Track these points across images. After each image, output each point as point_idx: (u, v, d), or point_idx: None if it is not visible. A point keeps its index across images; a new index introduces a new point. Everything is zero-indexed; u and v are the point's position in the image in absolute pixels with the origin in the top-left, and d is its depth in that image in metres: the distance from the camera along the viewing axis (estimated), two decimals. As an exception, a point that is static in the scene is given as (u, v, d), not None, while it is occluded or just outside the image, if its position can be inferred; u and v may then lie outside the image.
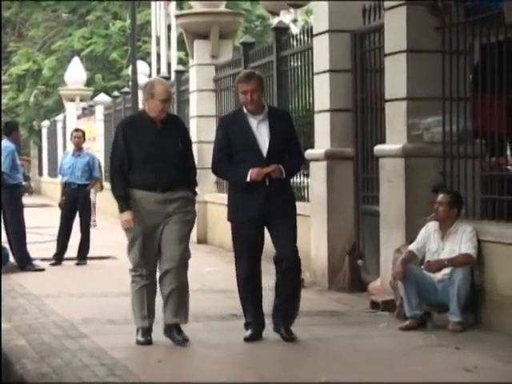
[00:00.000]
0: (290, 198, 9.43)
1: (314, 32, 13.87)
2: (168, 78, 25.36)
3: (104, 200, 24.13)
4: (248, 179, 8.92)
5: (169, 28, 28.30)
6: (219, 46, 21.21)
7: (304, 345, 8.46)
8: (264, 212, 9.05)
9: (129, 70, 29.89)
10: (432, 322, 10.00)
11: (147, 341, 9.14)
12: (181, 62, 28.51)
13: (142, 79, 28.45)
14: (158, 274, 9.30)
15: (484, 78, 10.56)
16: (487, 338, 9.35)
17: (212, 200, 20.02)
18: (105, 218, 23.57)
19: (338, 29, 13.06)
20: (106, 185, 24.61)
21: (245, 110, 9.19)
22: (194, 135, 20.56)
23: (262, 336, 9.14)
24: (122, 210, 9.04)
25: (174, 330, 9.10)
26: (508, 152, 11.08)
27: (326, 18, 13.18)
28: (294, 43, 16.08)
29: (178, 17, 24.90)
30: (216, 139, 9.49)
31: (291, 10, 20.56)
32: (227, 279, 13.39)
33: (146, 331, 9.20)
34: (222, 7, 22.18)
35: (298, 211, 12.47)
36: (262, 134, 9.11)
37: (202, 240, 20.10)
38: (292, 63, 16.10)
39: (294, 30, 18.05)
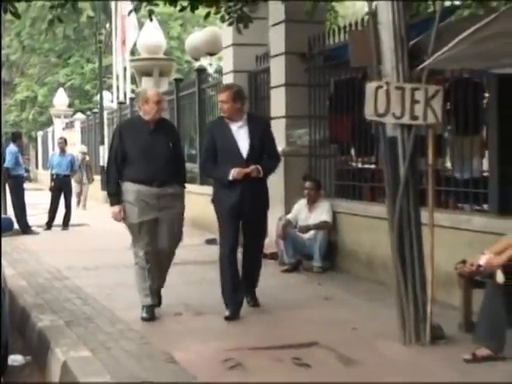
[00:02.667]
0: (263, 196, 7.66)
1: (224, 71, 13.82)
2: (124, 103, 25.22)
3: (92, 189, 23.95)
4: (230, 178, 7.30)
5: (125, 68, 28.04)
6: (159, 81, 21.21)
7: (217, 284, 8.46)
8: (240, 205, 7.38)
9: (97, 97, 29.62)
10: (302, 267, 10.05)
11: (150, 317, 7.27)
12: (133, 91, 28.20)
13: (107, 103, 28.32)
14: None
15: (336, 104, 10.66)
16: (339, 278, 9.45)
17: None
18: (88, 201, 23.21)
19: (239, 69, 13.05)
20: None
21: (225, 118, 7.54)
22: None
23: (239, 313, 7.39)
24: (112, 204, 7.38)
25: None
26: (352, 153, 11.16)
27: (231, 62, 13.18)
28: (210, 79, 16.08)
29: (131, 61, 24.84)
30: (204, 142, 8.05)
31: (208, 56, 20.51)
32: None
33: (150, 307, 7.34)
34: (161, 54, 22.13)
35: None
36: (242, 138, 7.43)
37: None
38: (208, 93, 16.09)
39: (210, 70, 18.00)
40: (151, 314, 7.31)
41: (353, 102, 9.79)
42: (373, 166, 10.43)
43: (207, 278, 9.23)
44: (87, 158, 24.04)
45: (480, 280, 6.21)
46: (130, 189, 7.31)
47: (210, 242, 12.87)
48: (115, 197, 7.39)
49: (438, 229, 6.66)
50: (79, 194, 22.88)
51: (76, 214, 17.72)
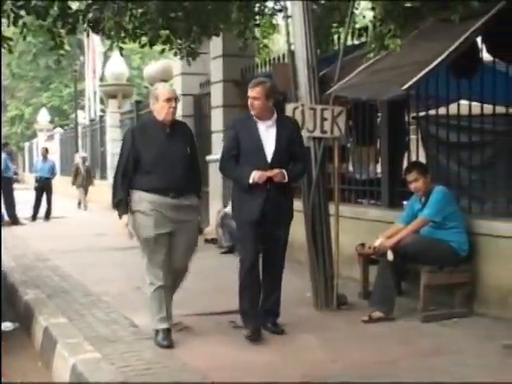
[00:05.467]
0: (288, 204, 5.55)
1: (174, 95, 13.78)
2: (94, 120, 24.95)
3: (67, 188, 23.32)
4: (250, 181, 5.27)
5: (95, 92, 27.73)
6: (123, 102, 20.97)
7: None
8: (262, 215, 5.34)
9: (73, 115, 29.32)
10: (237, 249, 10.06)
11: (169, 344, 5.14)
12: (102, 111, 27.89)
13: (81, 120, 28.07)
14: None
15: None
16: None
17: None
18: (62, 198, 22.67)
19: (186, 93, 13.01)
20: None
21: (254, 116, 5.44)
22: (109, 154, 20.32)
23: (261, 333, 5.34)
24: (120, 215, 5.19)
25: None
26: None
27: (180, 87, 13.09)
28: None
29: (100, 86, 24.53)
30: (225, 140, 5.86)
31: (162, 83, 20.38)
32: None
33: (167, 332, 5.23)
34: (124, 81, 21.90)
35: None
36: (269, 139, 5.38)
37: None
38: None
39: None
40: (169, 339, 5.19)
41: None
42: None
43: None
44: (87, 163, 21.29)
45: (375, 258, 6.29)
46: (143, 198, 5.19)
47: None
48: (122, 207, 5.21)
49: (342, 219, 6.72)
50: (83, 197, 20.28)
51: (57, 208, 17.40)
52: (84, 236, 12.16)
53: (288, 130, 5.50)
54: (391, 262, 5.90)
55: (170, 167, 5.19)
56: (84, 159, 20.81)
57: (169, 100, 5.23)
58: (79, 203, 20.33)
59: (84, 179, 20.25)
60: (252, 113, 5.44)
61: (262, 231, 5.41)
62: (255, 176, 5.29)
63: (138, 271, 8.19)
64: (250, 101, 5.42)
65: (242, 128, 5.51)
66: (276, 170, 5.32)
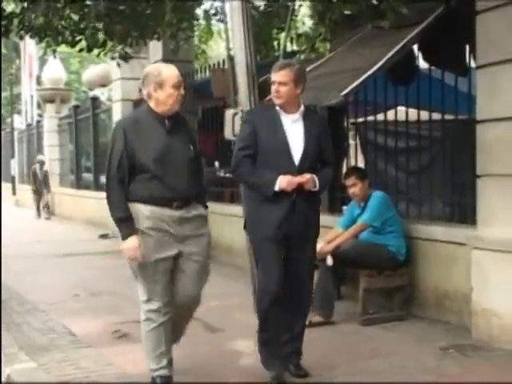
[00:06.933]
0: (315, 218, 4.41)
1: (113, 100, 13.70)
2: (31, 124, 24.54)
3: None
4: (276, 188, 4.16)
5: (32, 96, 27.26)
6: (61, 107, 20.67)
7: (109, 270, 8.28)
8: (285, 230, 4.25)
9: (9, 120, 28.86)
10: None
11: None
12: (40, 115, 27.43)
13: (17, 125, 27.60)
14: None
15: (203, 126, 10.69)
16: (224, 267, 9.43)
17: (59, 191, 19.40)
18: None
19: (125, 98, 12.96)
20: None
21: (277, 107, 4.29)
22: (46, 159, 19.91)
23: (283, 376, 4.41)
24: (125, 237, 3.99)
25: None
26: (216, 165, 11.17)
27: (119, 92, 13.09)
28: (102, 106, 15.87)
29: (37, 90, 24.13)
30: (240, 136, 4.54)
31: (101, 87, 20.21)
32: (78, 235, 13.04)
33: (167, 380, 4.21)
34: (62, 85, 21.61)
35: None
36: (295, 136, 4.25)
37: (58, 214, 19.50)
38: (101, 116, 15.88)
39: (102, 98, 17.75)
40: None
41: (216, 125, 9.83)
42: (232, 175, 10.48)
43: (100, 266, 9.08)
44: (45, 168, 18.75)
45: (315, 263, 6.33)
46: (140, 213, 4.04)
47: (102, 236, 12.65)
48: (129, 223, 4.02)
49: (283, 224, 6.73)
50: (38, 205, 18.47)
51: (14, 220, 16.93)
52: (21, 243, 11.91)
53: (317, 127, 4.39)
54: (331, 266, 5.95)
55: (172, 171, 4.08)
56: (41, 163, 18.71)
57: (178, 86, 4.15)
58: (38, 210, 18.52)
59: (41, 184, 18.42)
60: (276, 102, 4.31)
61: (284, 251, 4.35)
62: (282, 182, 4.18)
63: (75, 278, 8.10)
64: (274, 87, 4.28)
65: (262, 121, 4.35)
66: (307, 176, 4.24)
